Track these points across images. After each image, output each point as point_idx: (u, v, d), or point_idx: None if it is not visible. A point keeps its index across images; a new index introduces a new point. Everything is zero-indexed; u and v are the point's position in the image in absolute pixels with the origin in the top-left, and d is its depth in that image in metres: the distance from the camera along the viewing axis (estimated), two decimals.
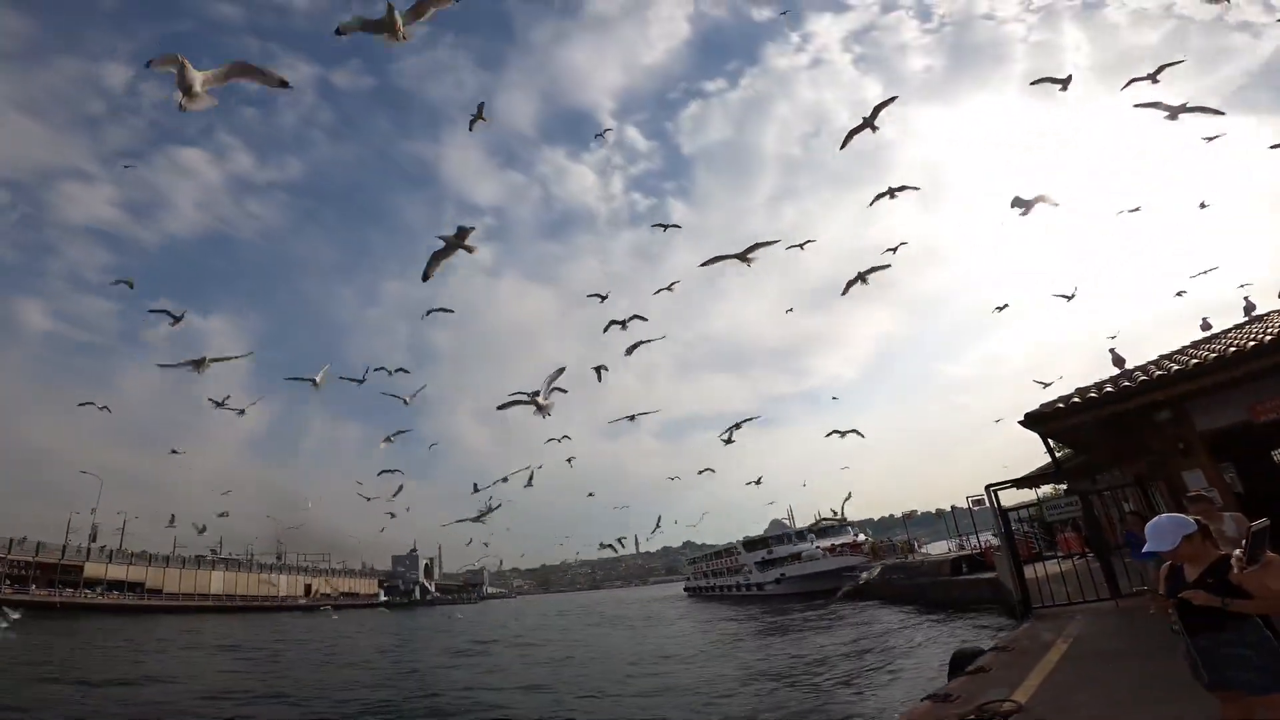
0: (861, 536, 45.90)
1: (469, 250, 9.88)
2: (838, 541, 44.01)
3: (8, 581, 42.22)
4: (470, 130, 14.41)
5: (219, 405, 19.42)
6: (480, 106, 14.21)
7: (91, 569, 49.60)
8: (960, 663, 6.75)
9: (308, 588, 73.08)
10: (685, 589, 69.99)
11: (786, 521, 50.71)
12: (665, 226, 19.67)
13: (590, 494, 40.30)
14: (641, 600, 64.44)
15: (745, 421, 16.77)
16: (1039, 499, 14.39)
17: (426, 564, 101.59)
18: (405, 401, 17.99)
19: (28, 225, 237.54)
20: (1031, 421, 9.69)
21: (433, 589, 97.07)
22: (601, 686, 12.42)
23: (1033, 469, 17.46)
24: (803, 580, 40.03)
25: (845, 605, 27.69)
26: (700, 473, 33.28)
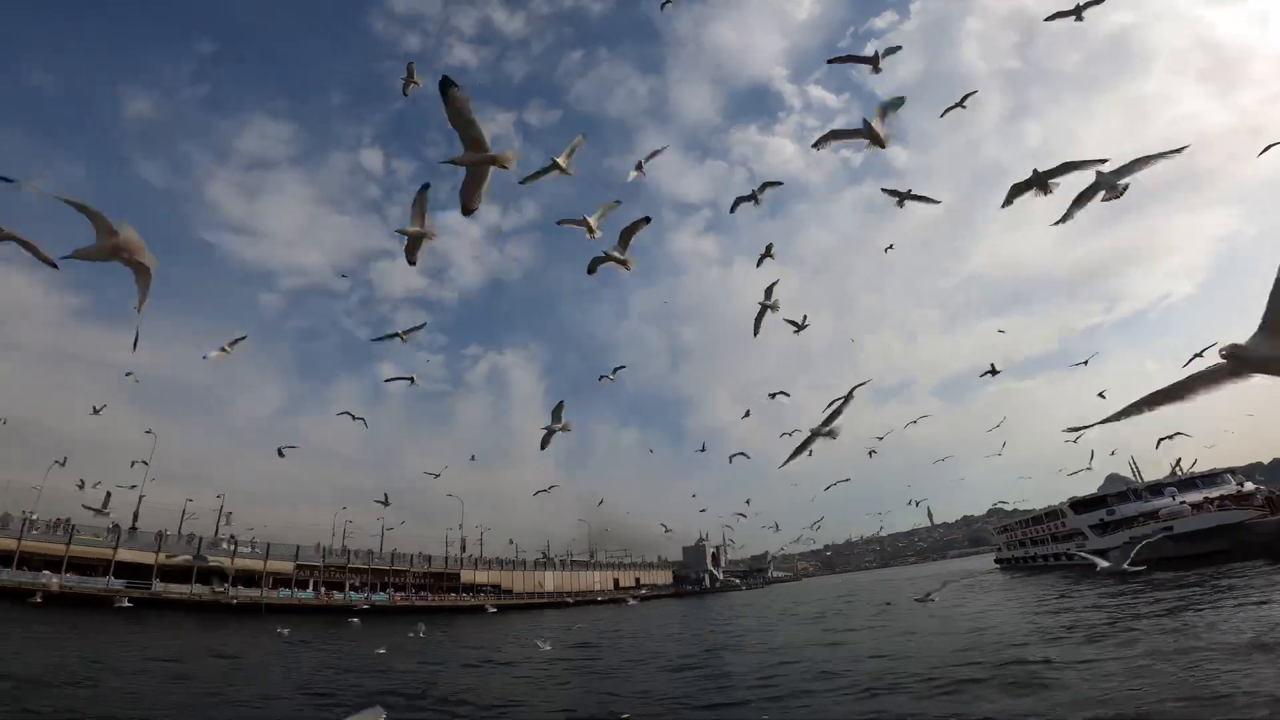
0: (1249, 485, 34.77)
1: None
2: (1214, 494, 34.01)
3: (414, 591, 56.50)
4: (405, 95, 12.51)
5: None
6: (410, 68, 12.37)
7: (465, 575, 63.46)
8: None
9: (615, 581, 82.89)
10: (996, 560, 61.99)
11: (1129, 475, 41.01)
12: None
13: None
14: (945, 575, 58.26)
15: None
16: None
17: (714, 552, 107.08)
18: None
19: (366, 304, 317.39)
20: None
21: (720, 576, 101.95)
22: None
23: None
24: (1162, 544, 31.95)
25: (1234, 569, 21.30)
26: (991, 431, 28.49)
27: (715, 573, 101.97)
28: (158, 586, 40.72)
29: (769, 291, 11.57)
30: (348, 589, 51.53)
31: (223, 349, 11.19)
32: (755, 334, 11.60)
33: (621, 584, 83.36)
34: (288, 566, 49.29)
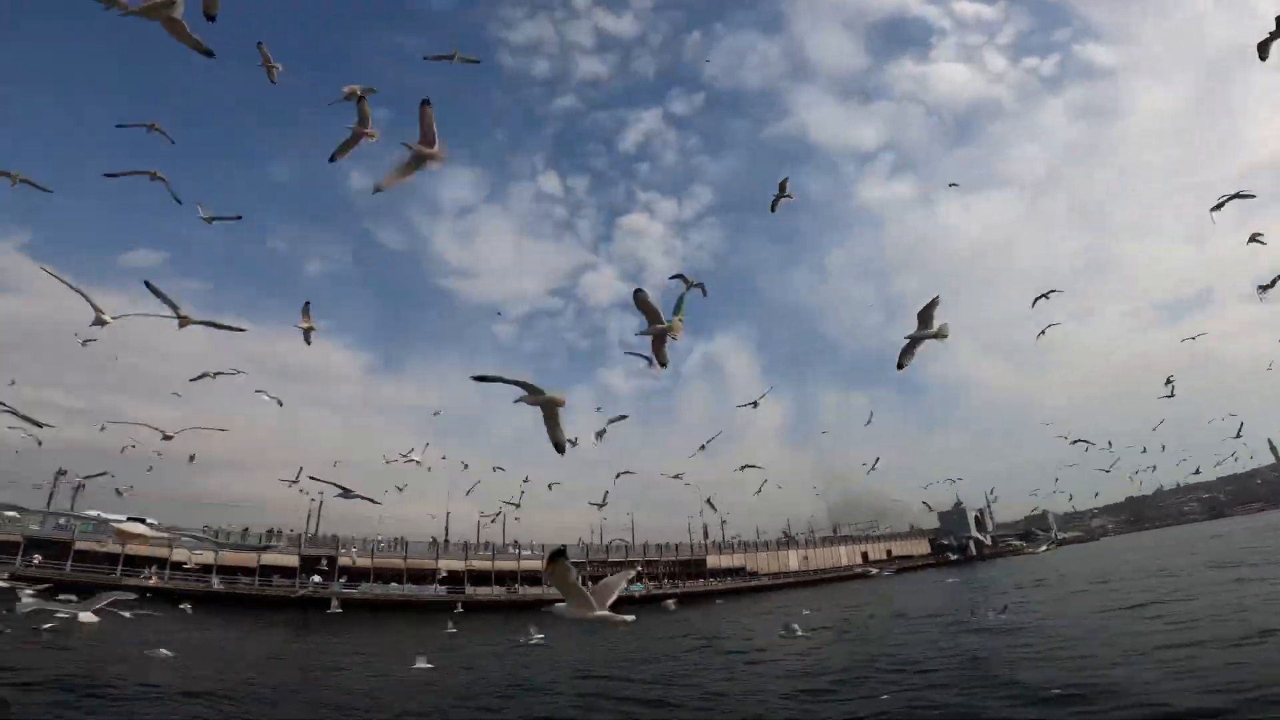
0: None
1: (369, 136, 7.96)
2: None
3: (668, 580, 60.82)
4: (273, 82, 10.24)
5: None
6: (262, 51, 9.72)
7: (711, 560, 66.37)
8: None
9: (864, 555, 79.02)
10: None
11: None
12: None
13: None
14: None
15: None
16: None
17: (976, 515, 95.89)
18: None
19: (581, 316, 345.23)
20: None
21: (986, 540, 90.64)
22: None
23: None
24: None
25: None
26: None
27: (981, 537, 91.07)
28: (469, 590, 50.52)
29: (928, 317, 7.96)
30: None
31: (305, 324, 11.54)
32: (900, 368, 8.62)
33: (871, 557, 79.29)
34: None
